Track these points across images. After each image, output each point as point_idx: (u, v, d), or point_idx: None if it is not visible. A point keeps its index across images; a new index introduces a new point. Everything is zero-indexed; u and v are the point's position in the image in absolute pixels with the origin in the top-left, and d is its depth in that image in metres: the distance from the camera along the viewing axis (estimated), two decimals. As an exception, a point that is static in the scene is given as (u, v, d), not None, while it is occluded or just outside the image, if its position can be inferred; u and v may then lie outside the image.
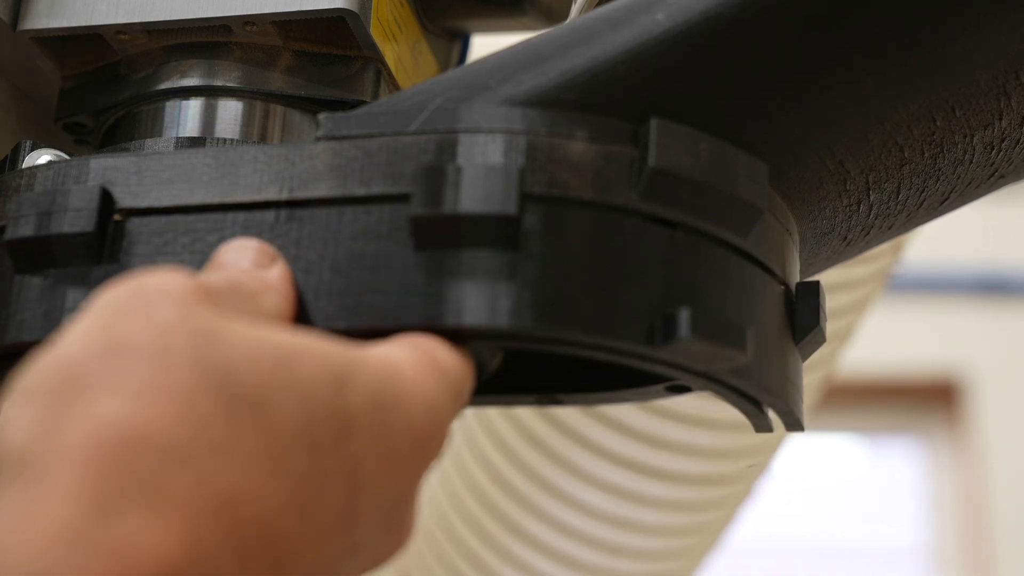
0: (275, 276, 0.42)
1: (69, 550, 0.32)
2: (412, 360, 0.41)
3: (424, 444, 0.41)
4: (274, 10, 0.52)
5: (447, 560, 0.93)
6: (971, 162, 0.53)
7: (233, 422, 0.36)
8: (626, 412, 0.86)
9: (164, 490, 0.33)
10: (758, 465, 0.92)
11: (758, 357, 0.45)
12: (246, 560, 0.34)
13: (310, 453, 0.37)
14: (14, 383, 0.37)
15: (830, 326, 0.52)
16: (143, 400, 0.35)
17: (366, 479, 0.39)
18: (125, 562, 0.32)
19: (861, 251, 0.58)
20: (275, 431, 0.36)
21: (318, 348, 0.39)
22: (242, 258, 0.42)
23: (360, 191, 0.44)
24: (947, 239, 2.99)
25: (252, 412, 0.36)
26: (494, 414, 0.88)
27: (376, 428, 0.39)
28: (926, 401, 3.28)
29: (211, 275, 0.41)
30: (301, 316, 0.43)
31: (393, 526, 0.41)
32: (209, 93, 0.54)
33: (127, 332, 0.37)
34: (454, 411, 0.42)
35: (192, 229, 0.45)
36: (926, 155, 0.51)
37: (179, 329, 0.37)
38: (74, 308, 0.45)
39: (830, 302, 0.54)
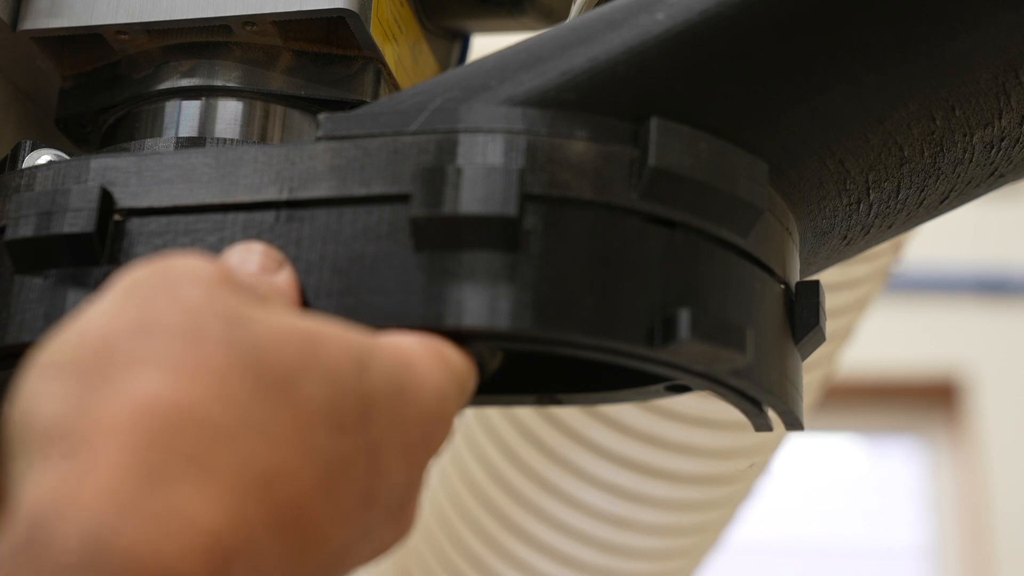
0: (282, 281, 0.43)
1: (123, 516, 0.33)
2: (422, 351, 0.41)
3: (433, 432, 0.41)
4: (274, 10, 0.52)
5: (447, 560, 0.93)
6: (971, 161, 0.53)
7: (265, 402, 0.36)
8: (626, 412, 0.86)
9: (208, 463, 0.34)
10: (758, 465, 0.92)
11: (758, 357, 0.45)
12: (281, 535, 0.35)
13: (336, 434, 0.38)
14: (35, 357, 0.37)
15: (830, 325, 0.52)
16: (181, 377, 0.35)
17: (384, 463, 0.39)
18: (175, 529, 0.33)
19: (861, 250, 0.58)
20: (304, 411, 0.37)
21: (338, 332, 0.40)
22: (249, 261, 0.43)
23: (360, 191, 0.44)
24: (947, 239, 2.99)
25: (282, 392, 0.37)
26: (494, 414, 0.88)
27: (393, 413, 0.40)
28: (926, 401, 3.27)
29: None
30: (302, 316, 0.43)
31: (401, 512, 0.42)
32: (209, 93, 0.54)
33: (157, 311, 0.37)
34: (459, 405, 0.43)
35: (192, 229, 0.45)
36: (926, 154, 0.51)
37: (208, 310, 0.37)
38: (75, 309, 0.45)
39: (830, 301, 0.54)
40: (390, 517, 0.41)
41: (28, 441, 0.35)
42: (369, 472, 0.39)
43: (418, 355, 0.41)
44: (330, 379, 0.38)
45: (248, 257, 0.43)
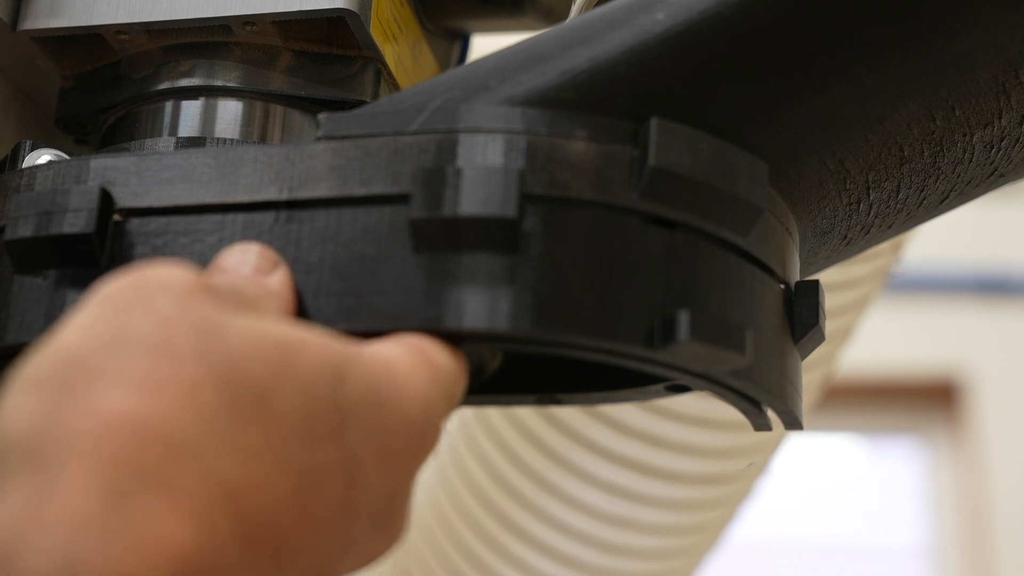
0: (276, 282, 0.42)
1: (89, 536, 0.32)
2: (407, 358, 0.41)
3: (417, 441, 0.41)
4: (274, 10, 0.52)
5: (447, 560, 0.93)
6: (971, 161, 0.53)
7: (236, 414, 0.36)
8: (626, 412, 0.86)
9: (173, 480, 0.34)
10: (758, 464, 0.92)
11: (757, 357, 0.45)
12: (251, 551, 0.35)
13: (310, 446, 0.37)
14: (15, 373, 0.37)
15: (829, 325, 0.52)
16: (148, 391, 0.35)
17: (363, 474, 0.39)
18: (142, 548, 0.33)
19: (861, 250, 0.58)
20: (276, 424, 0.37)
21: (317, 342, 0.39)
22: (244, 263, 0.43)
23: (360, 191, 0.44)
24: (947, 239, 2.99)
25: (254, 404, 0.37)
26: (494, 414, 0.88)
27: (372, 423, 0.39)
28: (926, 401, 3.28)
29: (212, 277, 0.42)
30: (301, 317, 0.43)
31: (388, 522, 0.41)
32: (209, 93, 0.54)
33: (128, 324, 0.37)
34: (446, 410, 0.43)
35: (192, 229, 0.45)
36: (926, 154, 0.51)
37: (180, 321, 0.37)
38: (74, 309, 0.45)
39: (829, 301, 0.54)
40: (376, 527, 0.41)
41: (1, 457, 0.35)
42: (347, 484, 0.38)
43: (401, 363, 0.41)
44: (303, 390, 0.38)
45: (244, 258, 0.43)
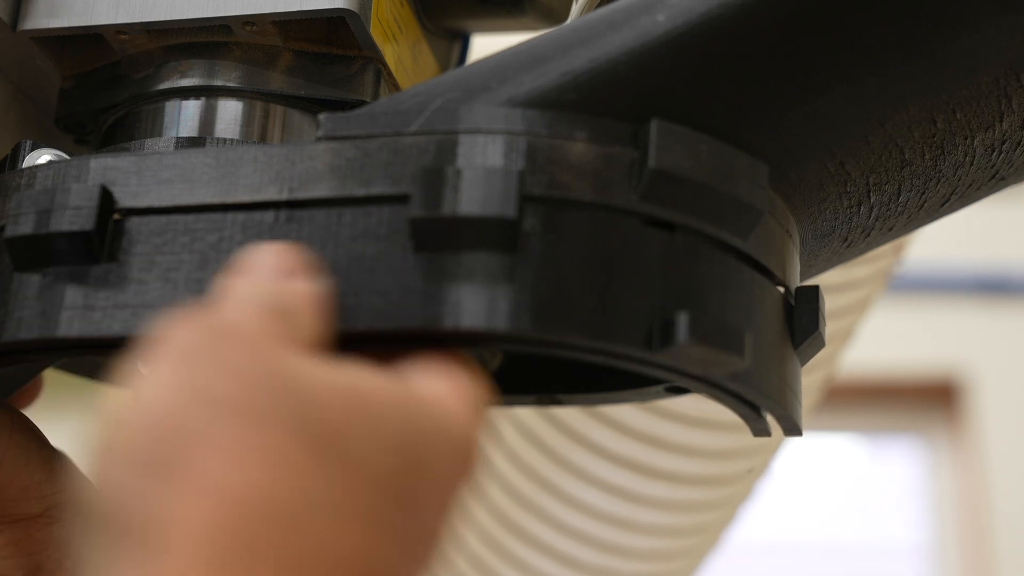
0: (311, 290, 0.42)
1: None
2: (455, 397, 0.41)
3: (467, 480, 0.41)
4: (274, 10, 0.52)
5: (447, 560, 0.93)
6: (972, 164, 0.53)
7: (332, 481, 0.36)
8: (626, 412, 0.86)
9: (286, 556, 0.34)
10: (758, 466, 0.92)
11: (757, 361, 0.45)
12: None
13: (401, 506, 0.37)
14: (104, 440, 0.36)
15: (831, 326, 0.52)
16: (246, 463, 0.35)
17: (426, 519, 0.39)
18: None
19: (861, 252, 0.58)
20: (371, 486, 0.37)
21: (389, 393, 0.39)
22: (276, 269, 0.42)
23: (360, 192, 0.44)
24: (947, 240, 2.99)
25: (345, 468, 0.36)
26: (494, 414, 0.88)
27: (444, 472, 0.39)
28: (926, 401, 3.27)
29: (272, 319, 0.41)
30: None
31: (427, 552, 0.41)
32: (209, 93, 0.54)
33: (210, 385, 0.36)
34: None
35: (191, 229, 0.45)
36: (927, 157, 0.51)
37: (261, 380, 0.37)
38: (72, 307, 0.45)
39: (831, 303, 0.54)
40: (420, 560, 0.40)
41: (110, 532, 0.35)
42: (430, 534, 0.38)
43: (453, 405, 0.40)
44: (390, 448, 0.37)
45: (268, 260, 0.42)
